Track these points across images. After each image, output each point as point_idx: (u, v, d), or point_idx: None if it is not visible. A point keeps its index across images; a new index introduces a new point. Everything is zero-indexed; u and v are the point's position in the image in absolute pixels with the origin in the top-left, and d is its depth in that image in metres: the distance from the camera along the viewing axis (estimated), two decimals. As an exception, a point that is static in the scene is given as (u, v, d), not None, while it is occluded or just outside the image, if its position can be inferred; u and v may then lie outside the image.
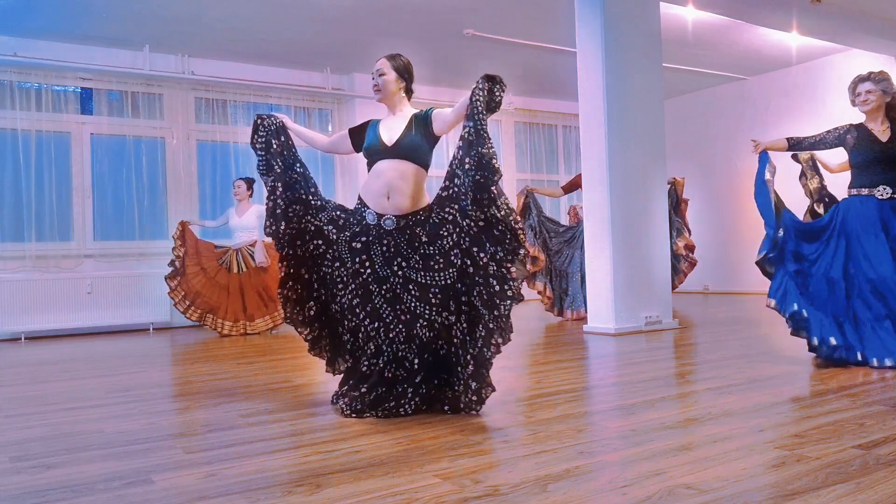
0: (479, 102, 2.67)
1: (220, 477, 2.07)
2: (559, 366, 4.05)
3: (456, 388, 2.84)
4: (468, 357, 2.75)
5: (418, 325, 2.83)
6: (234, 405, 3.18)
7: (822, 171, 4.37)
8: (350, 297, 2.95)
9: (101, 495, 1.94)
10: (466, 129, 2.70)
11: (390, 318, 2.87)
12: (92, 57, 7.14)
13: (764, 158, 3.94)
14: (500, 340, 2.72)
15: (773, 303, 3.75)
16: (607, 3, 5.53)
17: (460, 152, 2.73)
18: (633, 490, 1.82)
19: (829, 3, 6.67)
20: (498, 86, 2.69)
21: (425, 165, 3.02)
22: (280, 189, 3.05)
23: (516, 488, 1.87)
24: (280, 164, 3.08)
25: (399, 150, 2.99)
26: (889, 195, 3.68)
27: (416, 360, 2.85)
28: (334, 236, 3.03)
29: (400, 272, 2.90)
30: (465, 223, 2.75)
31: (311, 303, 3.10)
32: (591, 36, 5.61)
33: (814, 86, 8.66)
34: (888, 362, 3.52)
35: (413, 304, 2.84)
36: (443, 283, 2.81)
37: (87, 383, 4.05)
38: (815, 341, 3.63)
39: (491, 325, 2.69)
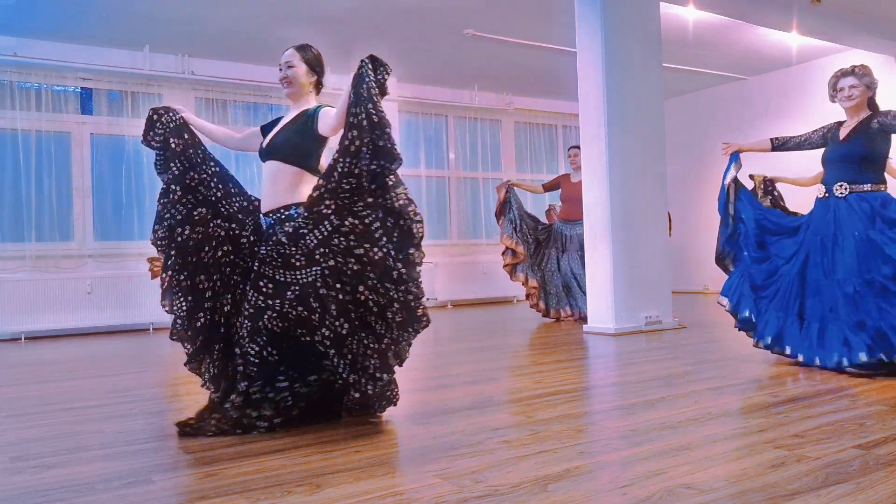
0: (369, 86, 2.48)
1: (220, 477, 2.07)
2: (559, 366, 4.05)
3: (338, 384, 2.67)
4: (360, 353, 2.57)
5: (266, 316, 2.62)
6: (234, 405, 3.17)
7: (778, 189, 4.27)
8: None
9: (101, 495, 1.94)
10: (356, 117, 2.51)
11: (241, 316, 2.71)
12: (92, 57, 7.14)
13: (733, 158, 3.99)
14: (409, 336, 2.61)
15: (726, 303, 3.95)
16: (607, 3, 5.53)
17: (349, 142, 2.53)
18: (633, 490, 1.82)
19: (829, 3, 6.67)
20: (381, 67, 2.53)
21: (306, 166, 2.79)
22: (179, 192, 2.80)
23: (516, 488, 1.87)
24: (180, 164, 2.82)
25: (271, 151, 2.82)
26: (847, 192, 3.58)
27: (265, 352, 2.63)
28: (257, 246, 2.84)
29: (256, 267, 2.71)
30: (347, 222, 2.56)
31: (201, 313, 2.81)
32: (591, 36, 5.61)
33: (814, 86, 8.65)
34: (844, 364, 3.40)
35: (260, 301, 2.64)
36: (304, 280, 2.60)
37: (87, 383, 4.04)
38: (755, 339, 3.87)
39: (399, 318, 2.54)
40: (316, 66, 2.92)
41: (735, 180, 3.96)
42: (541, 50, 7.77)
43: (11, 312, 6.71)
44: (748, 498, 1.73)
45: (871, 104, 3.69)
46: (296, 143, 2.79)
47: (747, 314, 3.87)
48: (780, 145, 3.96)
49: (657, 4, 5.90)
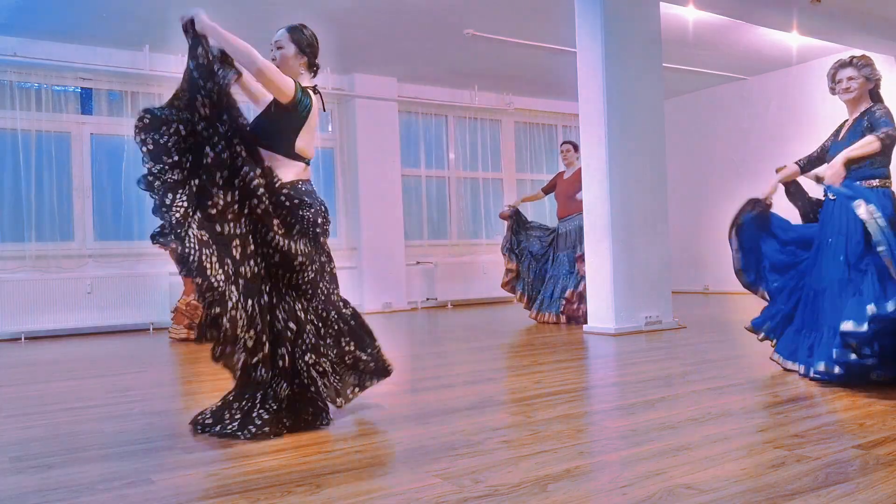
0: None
1: (220, 477, 2.07)
2: (559, 366, 4.05)
3: None
4: None
5: None
6: (234, 405, 3.17)
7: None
8: None
9: (101, 495, 1.94)
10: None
11: None
12: (92, 57, 7.14)
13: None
14: None
15: (760, 335, 3.75)
16: (607, 3, 5.53)
17: None
18: (633, 490, 1.82)
19: (829, 3, 6.67)
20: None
21: (279, 150, 2.72)
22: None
23: (516, 488, 1.87)
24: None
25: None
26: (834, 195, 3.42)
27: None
28: None
29: None
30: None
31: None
32: (591, 36, 5.61)
33: (814, 86, 8.65)
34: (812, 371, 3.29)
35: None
36: None
37: (87, 383, 4.05)
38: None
39: None
40: (306, 47, 2.84)
41: (751, 214, 3.78)
42: (541, 50, 7.76)
43: (11, 312, 6.71)
44: (748, 498, 1.73)
45: (874, 97, 3.50)
46: (262, 124, 2.75)
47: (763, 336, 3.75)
48: (806, 164, 3.73)
49: (657, 4, 5.89)
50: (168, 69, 7.53)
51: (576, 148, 6.78)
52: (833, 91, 3.60)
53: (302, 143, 2.77)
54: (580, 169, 6.62)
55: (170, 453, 2.37)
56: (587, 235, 5.73)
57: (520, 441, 2.38)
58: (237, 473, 2.10)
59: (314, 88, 2.84)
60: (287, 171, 2.73)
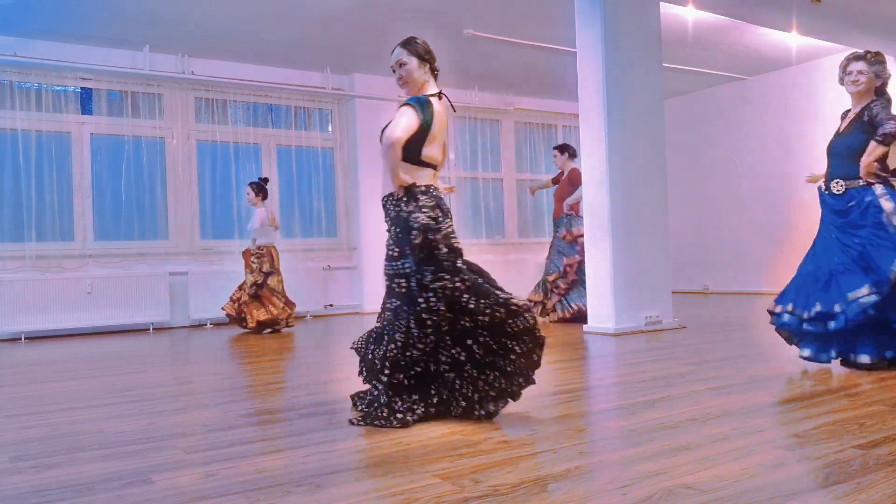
0: None
1: (220, 477, 2.07)
2: (559, 366, 4.05)
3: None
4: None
5: None
6: (234, 405, 3.18)
7: None
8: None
9: (101, 495, 1.94)
10: None
11: None
12: (92, 57, 7.14)
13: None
14: None
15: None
16: (607, 3, 5.53)
17: None
18: (633, 490, 1.81)
19: (829, 3, 6.66)
20: None
21: (409, 159, 3.03)
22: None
23: (516, 488, 1.87)
24: None
25: None
26: (843, 189, 3.49)
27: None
28: None
29: None
30: None
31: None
32: (591, 36, 5.61)
33: (814, 86, 8.66)
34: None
35: None
36: None
37: (87, 383, 4.05)
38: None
39: None
40: (425, 55, 2.93)
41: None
42: (541, 50, 7.76)
43: (11, 312, 6.71)
44: (748, 498, 1.73)
45: (879, 93, 3.53)
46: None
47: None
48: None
49: (657, 4, 5.90)
50: (168, 69, 7.54)
51: (561, 151, 6.85)
52: (842, 81, 3.61)
53: (431, 148, 2.94)
54: (572, 171, 6.70)
55: (170, 453, 2.37)
56: (587, 235, 5.73)
57: (520, 441, 2.38)
58: (237, 473, 2.10)
59: (439, 94, 2.97)
60: (418, 177, 2.95)
